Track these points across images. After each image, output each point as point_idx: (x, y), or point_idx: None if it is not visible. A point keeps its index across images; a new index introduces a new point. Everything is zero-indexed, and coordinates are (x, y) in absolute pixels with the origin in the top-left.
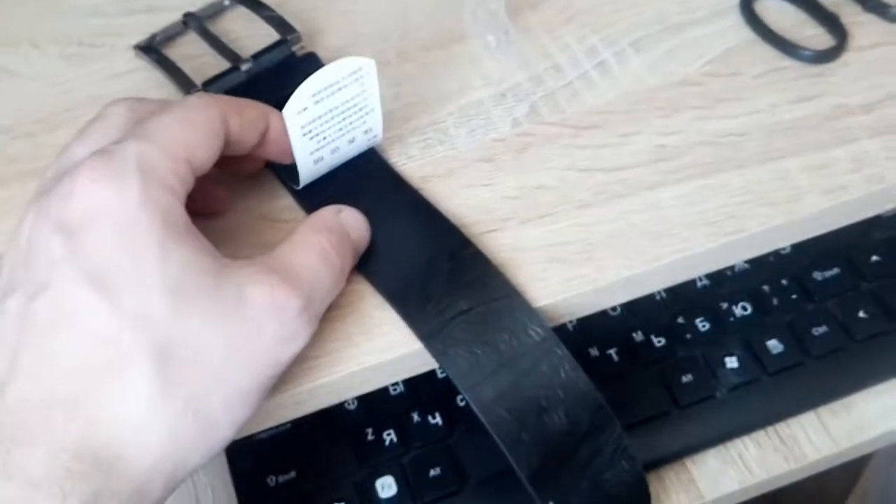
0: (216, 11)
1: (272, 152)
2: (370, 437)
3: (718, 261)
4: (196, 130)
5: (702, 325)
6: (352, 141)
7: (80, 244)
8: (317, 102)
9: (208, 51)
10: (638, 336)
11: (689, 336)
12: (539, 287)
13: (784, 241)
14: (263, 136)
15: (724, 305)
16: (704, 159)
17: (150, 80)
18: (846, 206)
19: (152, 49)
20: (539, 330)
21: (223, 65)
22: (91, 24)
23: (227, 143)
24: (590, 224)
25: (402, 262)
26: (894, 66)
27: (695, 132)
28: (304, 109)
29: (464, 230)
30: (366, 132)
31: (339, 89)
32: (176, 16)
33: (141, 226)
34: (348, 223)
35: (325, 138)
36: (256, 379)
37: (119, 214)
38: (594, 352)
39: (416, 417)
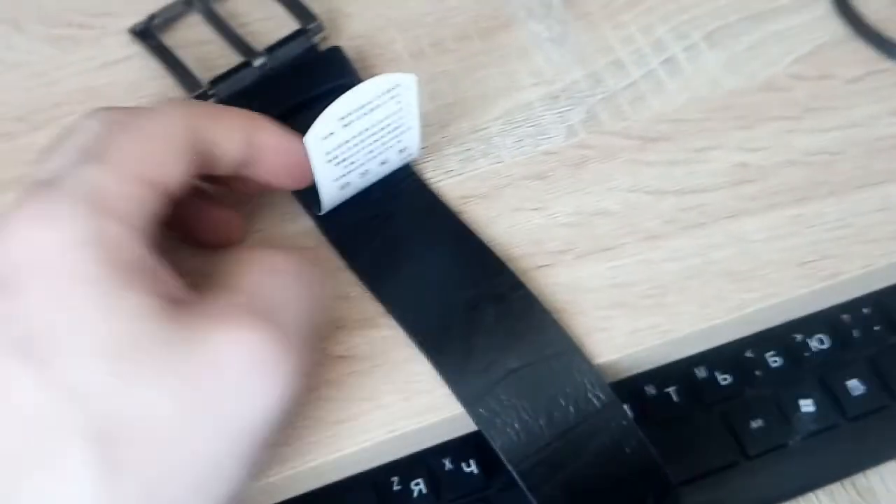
0: None
1: (265, 174)
2: (396, 487)
3: (811, 307)
4: (156, 144)
5: (773, 360)
6: (384, 162)
7: (11, 303)
8: (345, 126)
9: (215, 37)
10: (701, 372)
11: (758, 373)
12: (601, 339)
13: (886, 283)
14: (251, 151)
15: (799, 337)
16: (794, 182)
17: (147, 70)
18: None
19: (150, 34)
20: (601, 395)
21: (232, 55)
22: (82, 1)
23: (205, 158)
24: (660, 260)
25: (440, 304)
26: None
27: (782, 148)
28: (330, 135)
29: (511, 265)
30: (401, 151)
31: (373, 109)
32: None
33: (79, 274)
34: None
35: (353, 163)
36: (234, 448)
37: (55, 262)
38: (651, 390)
39: (448, 465)
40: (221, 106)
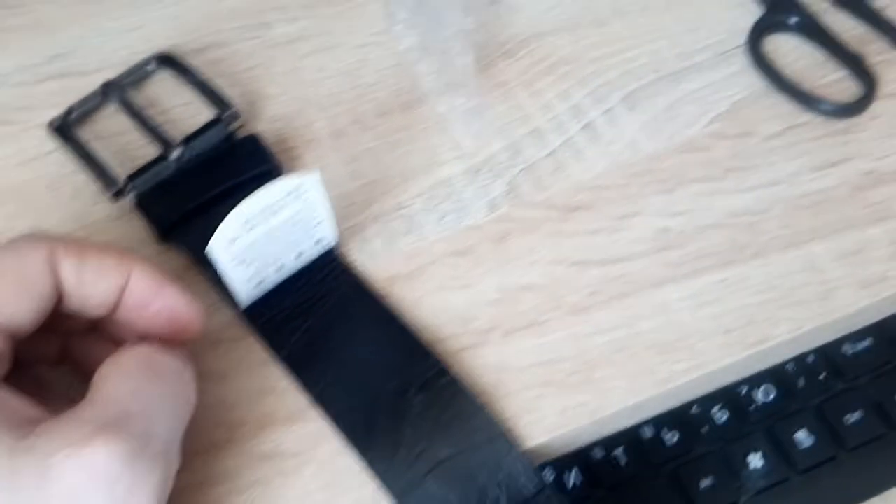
0: (140, 77)
1: (140, 320)
2: None
3: (740, 373)
4: (7, 285)
5: (720, 414)
6: (300, 255)
7: None
8: (250, 230)
9: (133, 127)
10: (647, 431)
11: (705, 430)
12: (531, 422)
13: (815, 344)
14: (121, 293)
15: (744, 390)
16: (717, 246)
17: (68, 165)
18: (888, 302)
19: (67, 129)
20: (534, 481)
21: (151, 146)
22: (1, 96)
23: (64, 295)
24: (587, 334)
25: (367, 394)
26: None
27: (703, 211)
28: (235, 239)
29: (438, 347)
30: (316, 242)
31: (277, 210)
32: (95, 81)
33: None
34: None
35: (265, 261)
36: None
37: None
38: (598, 453)
39: None
40: (92, 246)
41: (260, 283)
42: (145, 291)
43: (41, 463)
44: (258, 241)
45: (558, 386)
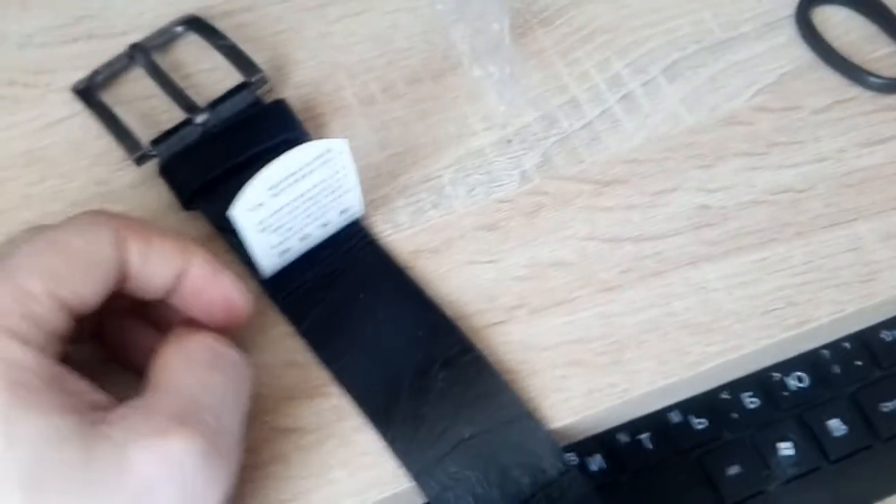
0: (167, 40)
1: (195, 306)
2: None
3: (776, 357)
4: (69, 257)
5: (750, 401)
6: (325, 224)
7: None
8: (276, 195)
9: (159, 91)
10: (675, 417)
11: (735, 416)
12: (557, 402)
13: (856, 328)
14: (180, 278)
15: (776, 376)
16: (757, 224)
17: (91, 130)
18: None
19: (91, 92)
20: (558, 463)
21: (176, 110)
22: (23, 58)
23: (128, 277)
24: (617, 313)
25: (389, 370)
26: None
27: (744, 187)
28: (260, 205)
29: (463, 324)
30: (342, 212)
31: (304, 176)
32: (121, 43)
33: None
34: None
35: (290, 229)
36: None
37: None
38: (623, 437)
39: None
40: (156, 228)
41: (284, 252)
42: (203, 278)
43: (118, 452)
44: (284, 208)
45: (586, 366)
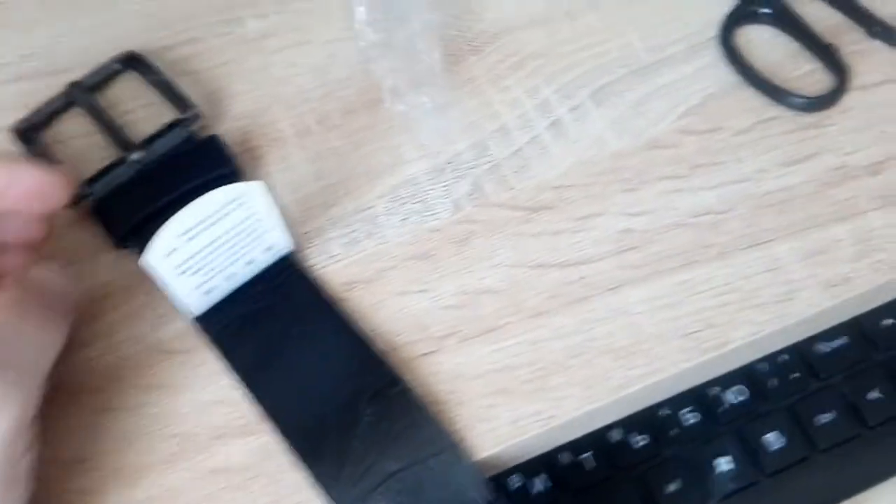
0: (106, 77)
1: (6, 209)
2: None
3: (696, 379)
4: None
5: (689, 417)
6: (250, 262)
7: None
8: (190, 239)
9: (97, 129)
10: (615, 434)
11: (674, 432)
12: (483, 432)
13: (776, 347)
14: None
15: (715, 391)
16: (679, 247)
17: None
18: (850, 304)
19: (30, 132)
20: (484, 495)
21: (113, 148)
22: None
23: None
24: (543, 340)
25: (318, 406)
26: None
27: (667, 210)
28: (174, 251)
29: (394, 355)
30: (267, 249)
31: (219, 219)
32: (64, 80)
33: None
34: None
35: (212, 269)
36: None
37: None
38: (565, 457)
39: None
40: None
41: (209, 291)
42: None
43: None
44: (202, 251)
45: (512, 394)
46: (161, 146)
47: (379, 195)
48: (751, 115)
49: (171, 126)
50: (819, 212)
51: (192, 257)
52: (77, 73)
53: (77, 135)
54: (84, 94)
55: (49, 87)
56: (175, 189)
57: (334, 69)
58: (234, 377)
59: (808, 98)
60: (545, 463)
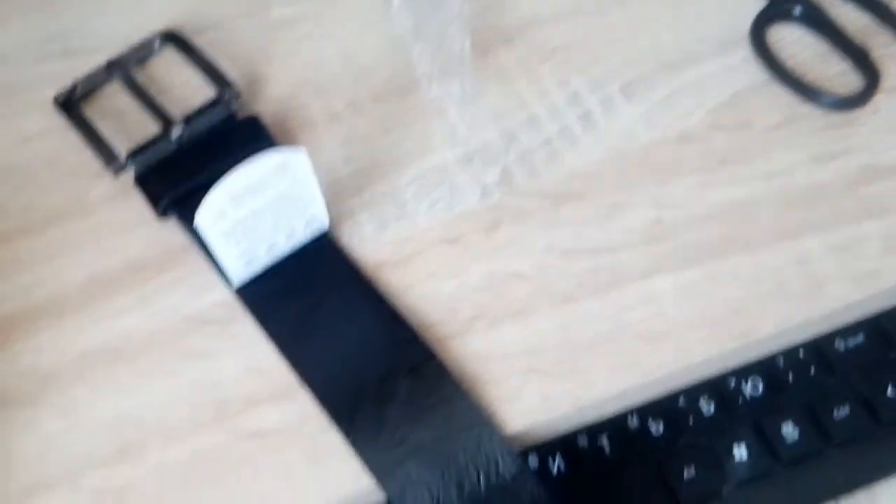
0: (144, 55)
1: None
2: None
3: (724, 366)
4: None
5: (706, 407)
6: (291, 235)
7: None
8: (238, 206)
9: (135, 105)
10: (633, 421)
11: (691, 421)
12: (513, 409)
13: (802, 338)
14: None
15: (732, 382)
16: (708, 238)
17: (66, 145)
18: (877, 298)
19: (71, 105)
20: (512, 468)
21: (152, 124)
22: (3, 73)
23: None
24: (573, 323)
25: (353, 376)
26: None
27: (696, 202)
28: (223, 214)
29: (425, 334)
30: (307, 223)
31: (264, 188)
32: (94, 60)
33: None
34: None
35: (255, 239)
36: None
37: None
38: (583, 441)
39: None
40: None
41: (251, 261)
42: None
43: None
44: (247, 218)
45: (542, 374)
46: (202, 123)
47: (409, 180)
48: (780, 113)
49: (212, 104)
50: (848, 208)
51: (238, 223)
52: (107, 54)
53: (117, 110)
54: (123, 70)
55: (79, 67)
56: (216, 164)
57: (363, 56)
58: (272, 346)
59: (838, 97)
60: (563, 446)
